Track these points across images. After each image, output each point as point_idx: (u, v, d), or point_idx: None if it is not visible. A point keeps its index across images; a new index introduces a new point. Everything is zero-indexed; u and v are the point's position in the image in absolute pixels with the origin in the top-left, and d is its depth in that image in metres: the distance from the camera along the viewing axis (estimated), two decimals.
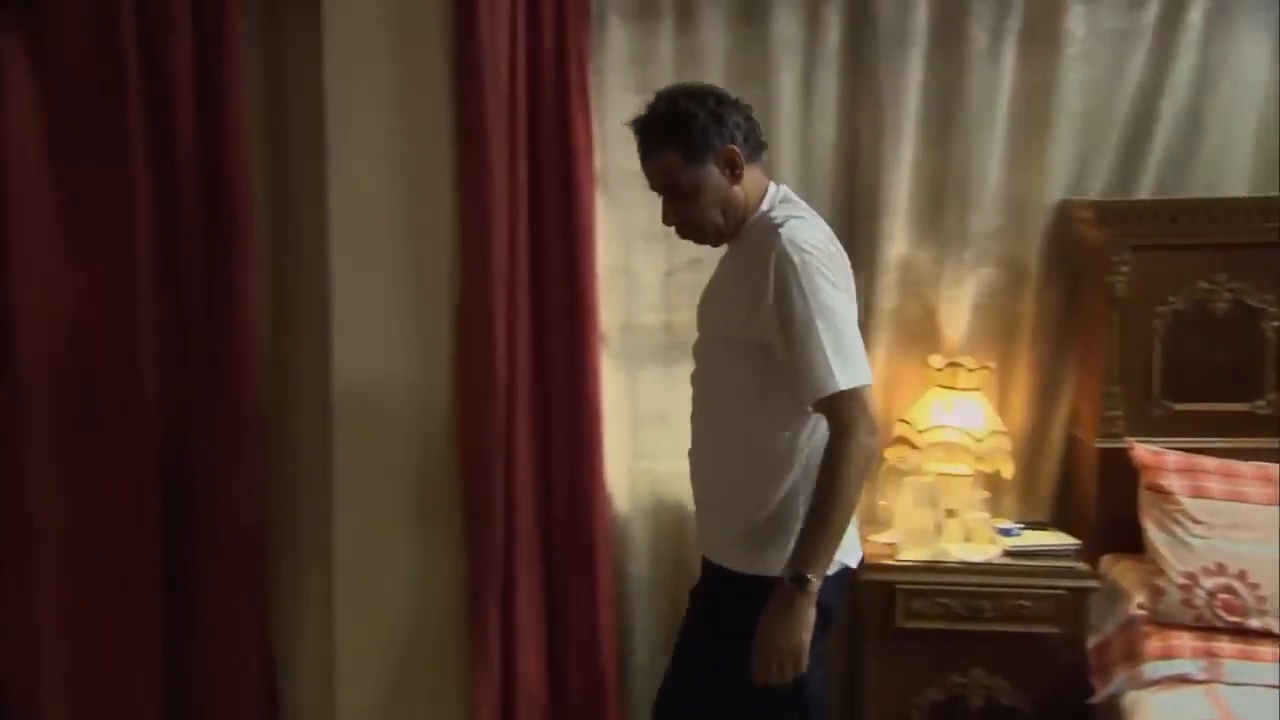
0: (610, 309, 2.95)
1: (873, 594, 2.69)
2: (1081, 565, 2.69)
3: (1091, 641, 2.64)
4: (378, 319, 2.87)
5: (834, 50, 2.83)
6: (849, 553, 2.14)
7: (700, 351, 2.23)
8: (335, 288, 2.86)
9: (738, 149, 2.07)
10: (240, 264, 2.84)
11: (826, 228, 2.15)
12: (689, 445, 2.24)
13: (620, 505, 3.00)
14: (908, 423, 2.84)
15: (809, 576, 1.94)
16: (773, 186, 2.16)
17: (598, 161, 2.88)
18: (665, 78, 2.84)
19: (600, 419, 2.91)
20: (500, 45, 2.73)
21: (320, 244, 2.87)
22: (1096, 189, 2.85)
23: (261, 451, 2.92)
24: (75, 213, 2.86)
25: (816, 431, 2.04)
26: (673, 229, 2.18)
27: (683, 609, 2.94)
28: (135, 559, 2.89)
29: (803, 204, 2.18)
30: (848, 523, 2.01)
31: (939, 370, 2.84)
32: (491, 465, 2.83)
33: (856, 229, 2.90)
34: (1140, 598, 2.59)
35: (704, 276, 2.86)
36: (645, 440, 3.00)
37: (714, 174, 2.07)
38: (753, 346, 2.05)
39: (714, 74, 2.81)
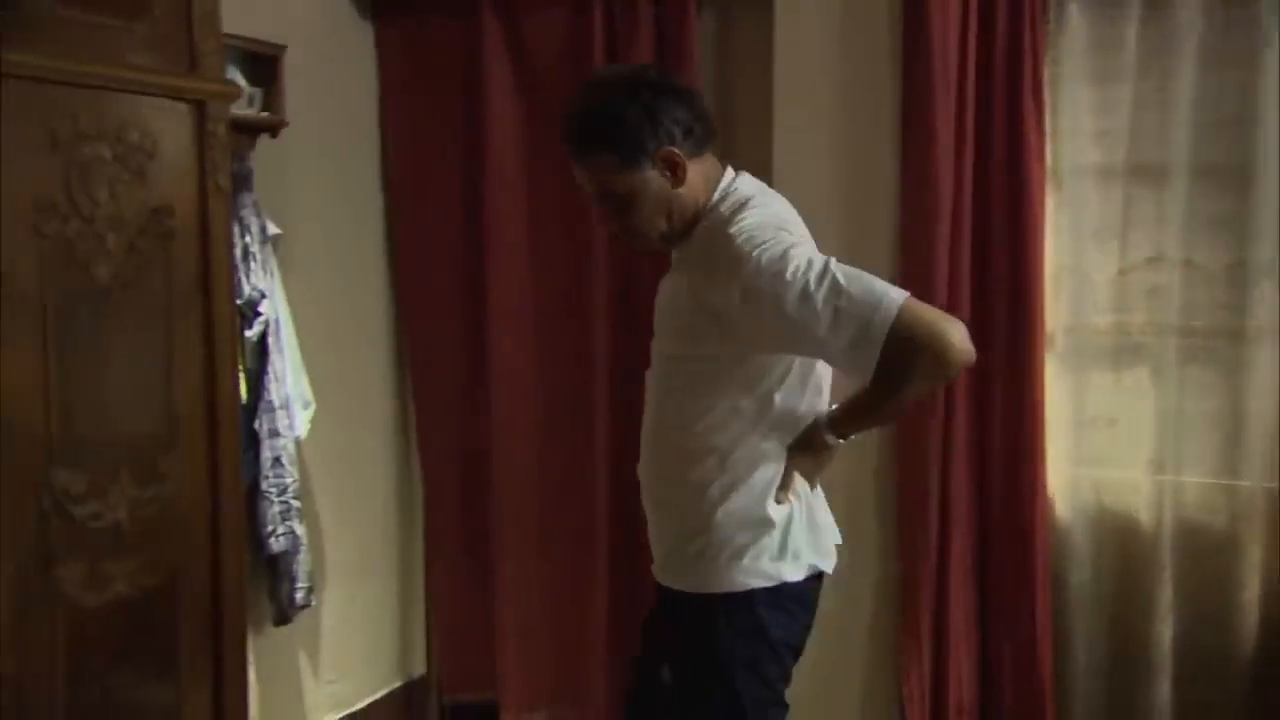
0: (1057, 309, 2.84)
1: None
2: None
3: None
4: None
5: None
6: (814, 558, 1.95)
7: (659, 371, 1.96)
8: None
9: (677, 150, 1.83)
10: None
11: (777, 203, 1.94)
12: (641, 467, 2.01)
13: (1062, 512, 2.87)
14: None
15: (842, 439, 1.92)
16: (727, 174, 1.93)
17: (1049, 157, 2.78)
18: (1128, 65, 2.70)
19: (1042, 422, 2.80)
20: (951, 38, 2.71)
21: None
22: None
23: None
24: (540, 204, 3.12)
25: (772, 425, 1.88)
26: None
27: (1127, 622, 2.82)
28: (584, 546, 3.14)
29: (752, 185, 1.94)
30: None
31: None
32: (927, 466, 2.82)
33: None
34: None
35: (1164, 276, 2.75)
36: (1091, 446, 2.86)
37: (653, 179, 1.84)
38: (717, 361, 1.85)
39: (1186, 58, 2.62)
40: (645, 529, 3.05)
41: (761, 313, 1.75)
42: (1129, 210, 2.78)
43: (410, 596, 3.38)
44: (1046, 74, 2.74)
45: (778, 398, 1.87)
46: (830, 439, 1.91)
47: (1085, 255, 2.82)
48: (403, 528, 3.36)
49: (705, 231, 1.88)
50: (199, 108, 2.13)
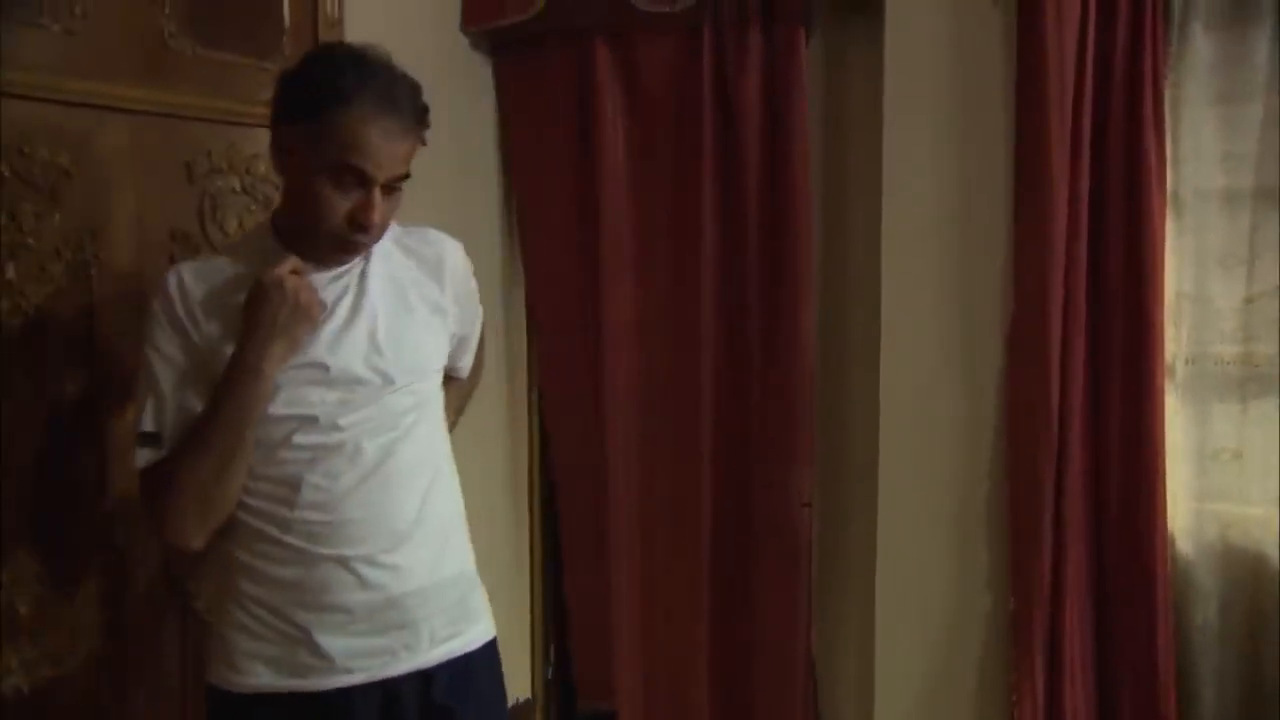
0: (1177, 338, 2.77)
1: None
2: None
3: None
4: (926, 344, 2.90)
5: None
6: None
7: (388, 407, 1.72)
8: (885, 310, 2.93)
9: None
10: (797, 286, 2.98)
11: None
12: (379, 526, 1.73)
13: (1184, 548, 2.78)
14: None
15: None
16: None
17: (1170, 181, 2.71)
18: (1254, 86, 2.63)
19: (1161, 455, 2.72)
20: (1067, 62, 2.66)
21: (872, 266, 2.96)
22: None
23: (813, 469, 3.04)
24: (649, 225, 3.12)
25: None
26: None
27: (1259, 663, 2.71)
28: (687, 566, 3.13)
29: None
30: None
31: None
32: (1041, 497, 2.75)
33: None
34: None
35: None
36: (1215, 481, 2.76)
37: None
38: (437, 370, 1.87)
39: None
40: (748, 558, 3.12)
41: (473, 293, 1.99)
42: (1256, 236, 2.69)
43: (521, 613, 3.42)
44: (1168, 97, 2.68)
45: None
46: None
47: (1209, 283, 2.74)
48: (515, 547, 3.41)
49: (403, 233, 1.87)
50: None
